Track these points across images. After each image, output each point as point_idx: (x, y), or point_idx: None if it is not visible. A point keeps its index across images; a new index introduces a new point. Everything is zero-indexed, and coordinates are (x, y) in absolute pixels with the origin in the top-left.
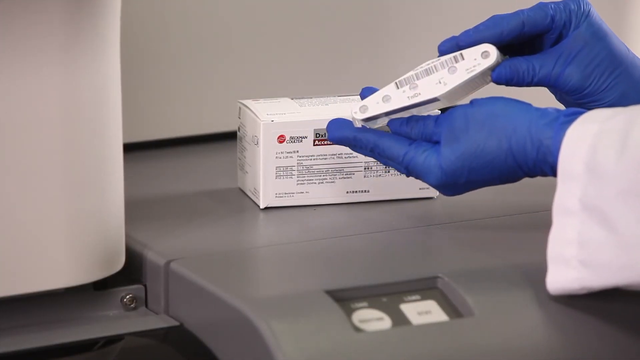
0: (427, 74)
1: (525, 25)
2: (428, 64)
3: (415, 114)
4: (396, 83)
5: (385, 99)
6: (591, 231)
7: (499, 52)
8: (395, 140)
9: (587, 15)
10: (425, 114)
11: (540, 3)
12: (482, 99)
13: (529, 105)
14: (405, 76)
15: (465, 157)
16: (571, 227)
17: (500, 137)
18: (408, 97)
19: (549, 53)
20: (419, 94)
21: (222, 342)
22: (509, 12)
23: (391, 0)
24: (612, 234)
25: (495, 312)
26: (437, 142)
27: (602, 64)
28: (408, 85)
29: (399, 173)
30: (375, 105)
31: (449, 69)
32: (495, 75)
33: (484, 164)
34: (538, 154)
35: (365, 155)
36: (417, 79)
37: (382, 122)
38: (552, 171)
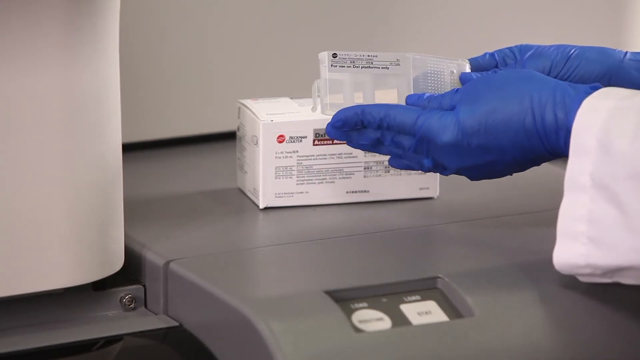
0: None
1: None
2: None
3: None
4: None
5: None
6: (601, 209)
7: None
8: (407, 108)
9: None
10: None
11: None
12: (505, 69)
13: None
14: None
15: (483, 114)
16: (581, 203)
17: (523, 96)
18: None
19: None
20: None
21: (222, 343)
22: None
23: (391, 1)
24: (622, 215)
25: (495, 312)
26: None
27: (560, 47)
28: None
29: (398, 173)
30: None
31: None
32: (463, 75)
33: (501, 122)
34: (557, 120)
35: (369, 135)
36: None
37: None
38: (564, 143)
